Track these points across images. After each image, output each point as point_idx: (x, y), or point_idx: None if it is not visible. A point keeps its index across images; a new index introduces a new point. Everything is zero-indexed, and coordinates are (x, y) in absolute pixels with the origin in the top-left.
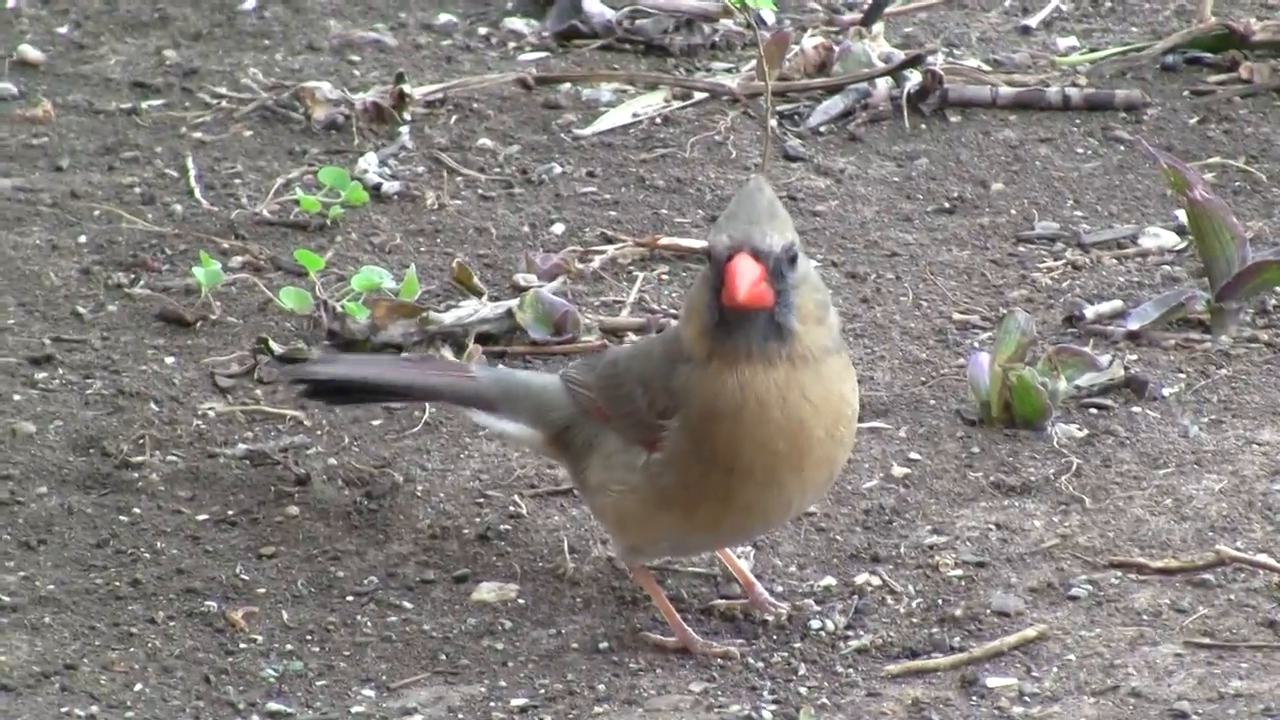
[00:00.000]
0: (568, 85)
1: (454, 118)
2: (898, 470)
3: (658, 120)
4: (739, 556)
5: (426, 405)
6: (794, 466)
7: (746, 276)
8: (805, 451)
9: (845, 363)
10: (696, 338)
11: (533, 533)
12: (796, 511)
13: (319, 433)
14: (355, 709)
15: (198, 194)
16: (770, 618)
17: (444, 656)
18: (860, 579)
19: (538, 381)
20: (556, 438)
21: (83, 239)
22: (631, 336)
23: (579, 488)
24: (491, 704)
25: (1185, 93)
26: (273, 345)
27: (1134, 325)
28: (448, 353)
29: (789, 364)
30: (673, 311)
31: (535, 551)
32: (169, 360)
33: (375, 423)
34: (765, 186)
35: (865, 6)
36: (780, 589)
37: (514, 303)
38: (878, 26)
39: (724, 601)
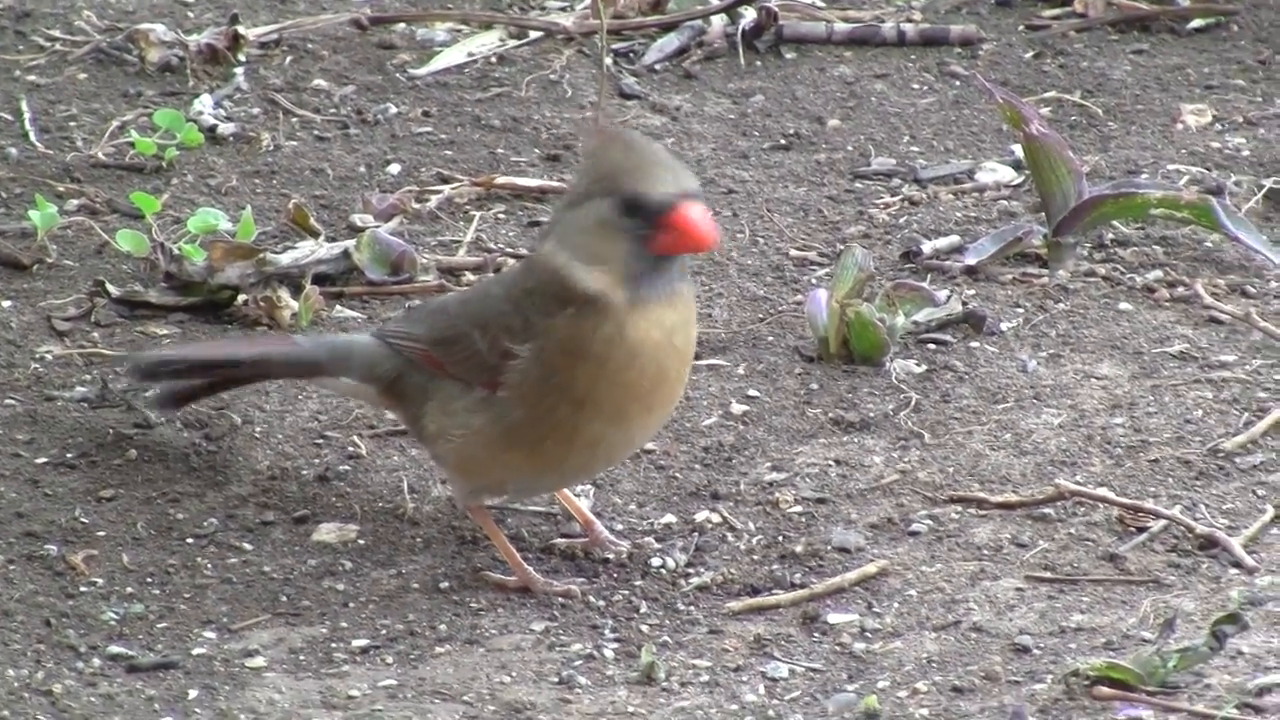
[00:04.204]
0: (402, 25)
1: (289, 59)
2: (737, 407)
3: (493, 60)
4: (578, 495)
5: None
6: (645, 406)
7: (708, 221)
8: (657, 392)
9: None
10: (612, 287)
11: (372, 473)
12: (637, 447)
13: None
14: (196, 651)
15: (32, 137)
16: (611, 556)
17: (285, 598)
18: (700, 516)
19: (359, 341)
20: (388, 389)
21: None
22: (469, 276)
23: (416, 436)
24: (333, 645)
25: (1020, 27)
26: (110, 288)
27: (971, 260)
28: (285, 294)
29: (685, 304)
30: (509, 250)
31: (375, 492)
32: (6, 304)
33: None
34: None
35: None
36: (620, 527)
37: (351, 243)
38: None
39: (564, 540)
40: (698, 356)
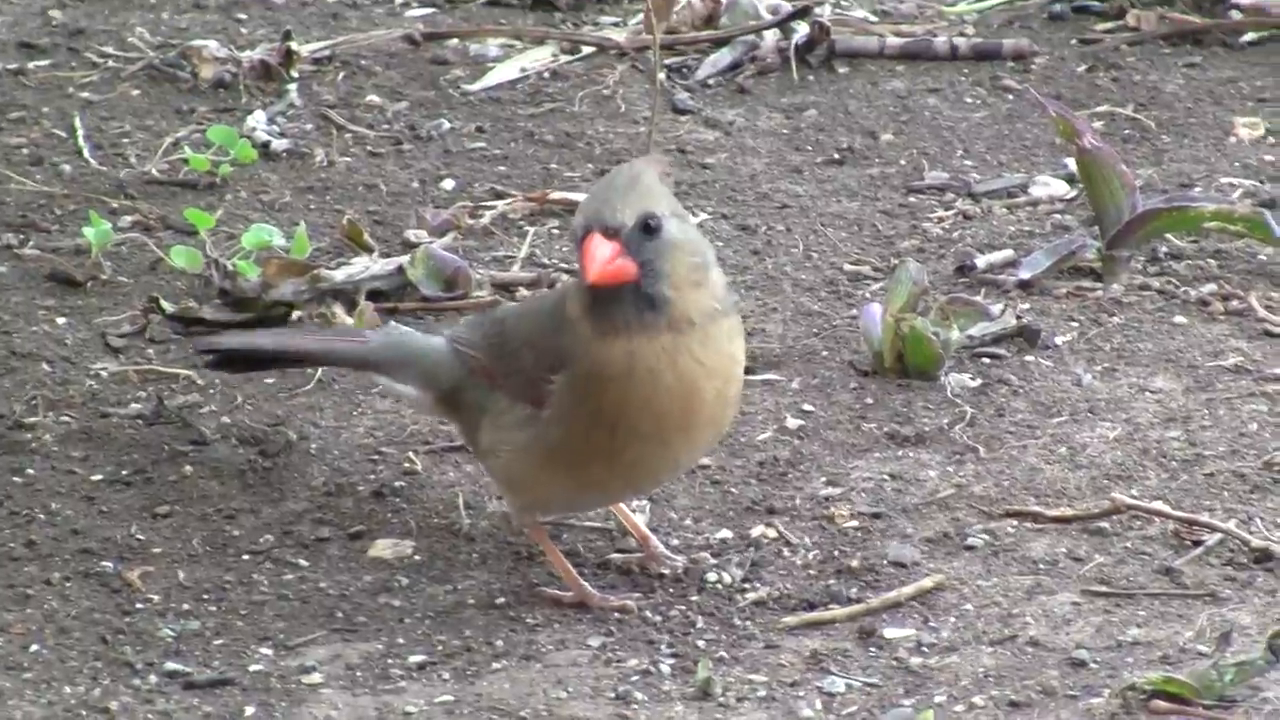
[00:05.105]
0: (455, 41)
1: (342, 75)
2: (791, 422)
3: (546, 75)
4: (634, 511)
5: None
6: (681, 426)
7: (598, 255)
8: (694, 413)
9: (735, 323)
10: (580, 316)
11: (428, 489)
12: (684, 468)
13: (212, 392)
14: (253, 667)
15: (86, 154)
16: (667, 571)
17: (341, 614)
18: (756, 531)
19: (426, 345)
20: (444, 398)
21: None
22: (523, 291)
23: (472, 450)
24: (389, 661)
25: (1073, 41)
26: (164, 304)
27: (1025, 274)
28: (339, 310)
29: (673, 331)
30: (564, 266)
31: (430, 508)
32: (60, 321)
33: (268, 381)
34: (639, 164)
35: None
36: (676, 542)
37: (405, 259)
38: None
39: (620, 556)
40: (751, 372)
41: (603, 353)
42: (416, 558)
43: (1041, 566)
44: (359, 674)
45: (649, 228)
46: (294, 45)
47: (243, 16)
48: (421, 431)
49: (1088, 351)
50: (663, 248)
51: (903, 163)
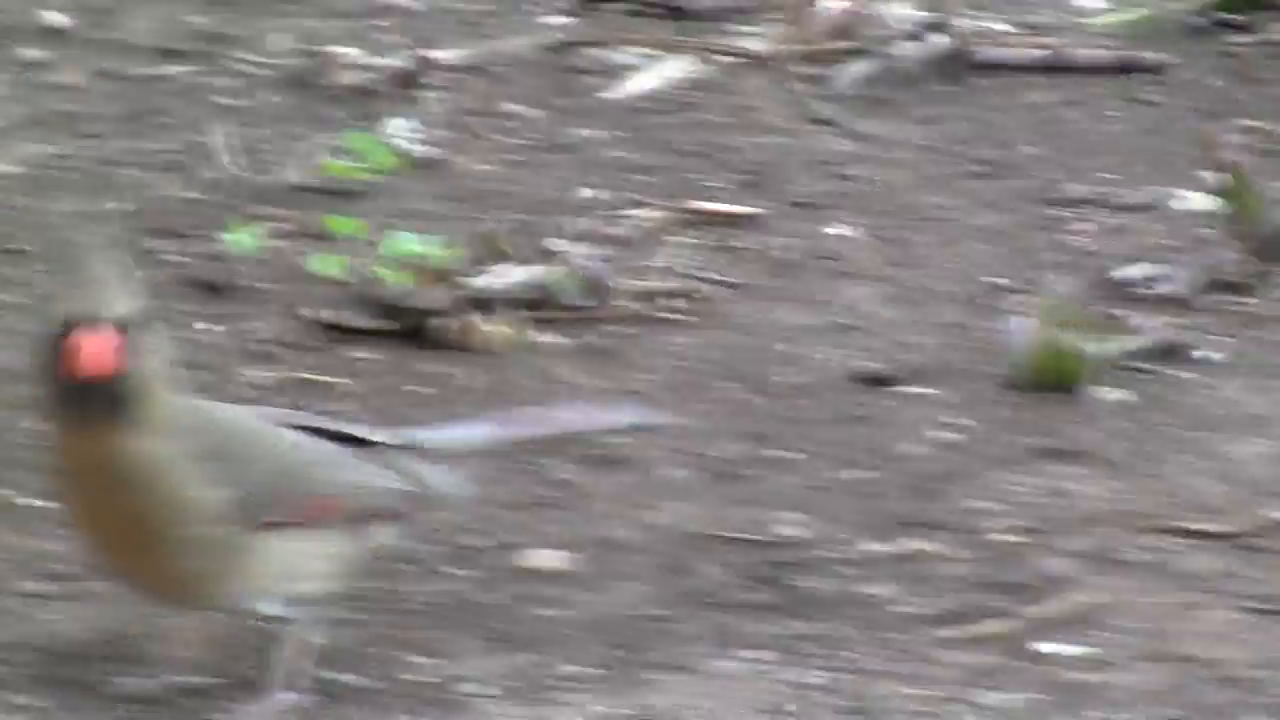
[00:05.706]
0: (593, 50)
1: (480, 82)
2: (941, 435)
3: (685, 84)
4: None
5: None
6: (103, 538)
7: (92, 348)
8: (103, 524)
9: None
10: (42, 405)
11: (581, 499)
12: (154, 593)
13: (362, 393)
14: (404, 676)
15: (225, 161)
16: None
17: (493, 624)
18: (908, 545)
19: None
20: None
21: (112, 206)
22: (661, 301)
23: None
24: (542, 672)
25: (1213, 54)
26: (305, 311)
27: (1169, 288)
28: (480, 318)
29: (136, 429)
30: (701, 276)
31: (584, 518)
32: (199, 326)
33: (418, 390)
34: (105, 246)
35: None
36: (829, 555)
37: (544, 268)
38: None
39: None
40: (898, 383)
41: (62, 446)
42: (569, 568)
43: (1197, 583)
44: (511, 684)
45: (141, 323)
46: (433, 53)
47: (382, 24)
48: (577, 441)
49: (1235, 366)
50: (151, 345)
51: (1042, 175)
